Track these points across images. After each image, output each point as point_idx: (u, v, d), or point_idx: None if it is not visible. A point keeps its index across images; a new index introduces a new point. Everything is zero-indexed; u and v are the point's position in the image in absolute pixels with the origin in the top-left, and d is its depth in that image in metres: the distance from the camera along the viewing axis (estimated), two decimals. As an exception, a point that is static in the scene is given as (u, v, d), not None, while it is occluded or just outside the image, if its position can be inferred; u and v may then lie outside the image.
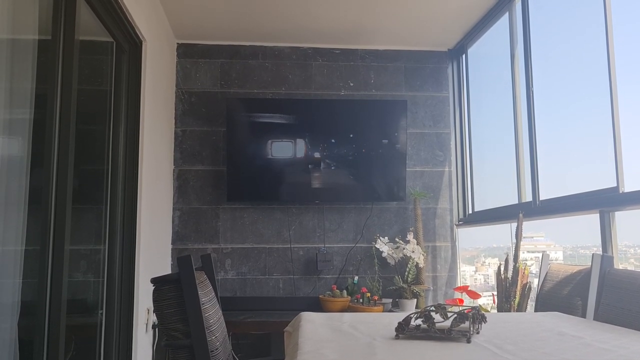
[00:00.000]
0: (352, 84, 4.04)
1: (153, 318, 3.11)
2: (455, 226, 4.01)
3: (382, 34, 3.86)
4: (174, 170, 3.86)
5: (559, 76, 2.91)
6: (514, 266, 2.72)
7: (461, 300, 3.33)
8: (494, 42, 3.67)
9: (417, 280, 3.66)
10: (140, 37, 2.92)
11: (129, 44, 2.90)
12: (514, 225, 2.82)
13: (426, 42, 4.02)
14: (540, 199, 2.94)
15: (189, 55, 3.98)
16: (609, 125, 2.34)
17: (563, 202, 2.72)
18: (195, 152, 3.89)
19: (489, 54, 3.81)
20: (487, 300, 3.49)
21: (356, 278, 3.80)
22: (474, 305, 3.04)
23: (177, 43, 3.97)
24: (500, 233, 3.71)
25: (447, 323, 1.44)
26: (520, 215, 2.79)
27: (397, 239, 3.73)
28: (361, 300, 3.47)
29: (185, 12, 3.50)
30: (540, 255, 2.79)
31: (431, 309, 1.46)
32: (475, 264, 4.09)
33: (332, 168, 3.79)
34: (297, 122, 3.79)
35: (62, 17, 2.07)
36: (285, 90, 4.00)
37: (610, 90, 2.35)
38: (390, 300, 3.65)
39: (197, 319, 1.44)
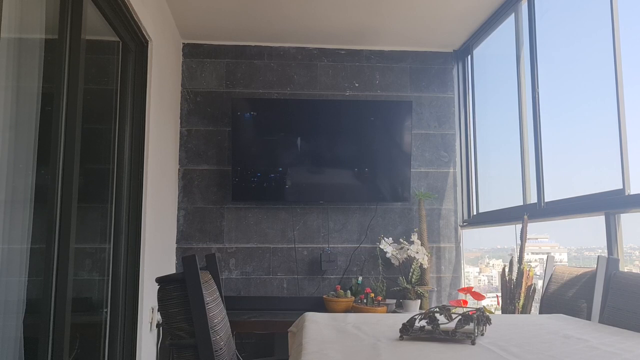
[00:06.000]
0: (357, 85, 4.04)
1: (157, 317, 3.12)
2: (459, 227, 4.00)
3: (387, 34, 3.86)
4: (179, 169, 3.87)
5: (565, 77, 2.90)
6: (519, 268, 2.71)
7: (465, 302, 3.33)
8: (499, 43, 3.66)
9: (421, 281, 3.65)
10: (147, 36, 2.93)
11: (135, 44, 2.91)
12: (519, 226, 2.82)
13: (431, 43, 4.01)
14: (546, 200, 2.93)
15: (195, 55, 3.98)
16: (615, 127, 2.33)
17: (568, 203, 2.71)
18: (200, 152, 3.90)
19: (494, 55, 3.80)
20: (491, 302, 3.48)
21: (360, 278, 3.80)
22: (478, 306, 3.04)
23: (183, 43, 3.98)
24: (505, 234, 3.70)
25: (452, 324, 1.43)
26: (525, 217, 2.78)
27: (401, 240, 3.73)
28: (365, 301, 3.47)
29: (191, 12, 3.51)
30: (544, 256, 2.78)
31: (435, 310, 1.46)
32: (479, 265, 4.08)
33: (337, 168, 3.79)
34: (302, 122, 3.79)
35: (69, 17, 2.08)
36: (290, 90, 4.00)
37: (616, 91, 2.34)
38: (394, 300, 3.64)
39: (202, 319, 1.44)
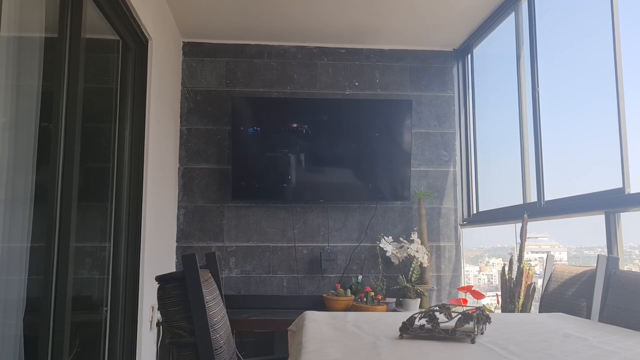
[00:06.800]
0: (357, 84, 4.04)
1: (157, 315, 3.12)
2: (459, 226, 4.00)
3: (387, 33, 3.85)
4: (179, 168, 3.87)
5: (565, 77, 2.90)
6: (519, 266, 2.71)
7: (465, 300, 3.33)
8: (499, 43, 3.66)
9: (421, 279, 3.65)
10: (147, 35, 2.93)
11: (135, 43, 2.91)
12: (519, 225, 2.82)
13: (431, 42, 4.01)
14: (545, 199, 2.93)
15: (195, 53, 3.98)
16: (615, 126, 2.33)
17: (568, 202, 2.71)
18: (200, 151, 3.90)
19: (494, 54, 3.80)
20: (491, 301, 3.48)
21: (360, 277, 3.80)
22: (477, 305, 3.04)
23: (183, 42, 3.98)
24: (505, 233, 3.70)
25: (452, 323, 1.43)
26: (525, 215, 2.78)
27: (401, 239, 3.73)
28: (365, 300, 3.47)
29: (191, 11, 3.51)
30: (544, 255, 2.78)
31: (435, 309, 1.46)
32: (479, 264, 4.08)
33: (337, 167, 3.78)
34: (302, 121, 3.79)
35: (69, 16, 2.08)
36: (290, 89, 4.00)
37: (616, 90, 2.34)
38: (394, 299, 3.64)
39: (201, 317, 1.44)
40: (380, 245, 3.71)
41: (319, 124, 3.80)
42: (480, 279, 4.01)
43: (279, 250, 3.85)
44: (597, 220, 2.45)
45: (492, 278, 3.90)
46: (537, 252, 3.25)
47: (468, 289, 3.23)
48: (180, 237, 3.82)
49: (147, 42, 2.99)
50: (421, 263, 3.60)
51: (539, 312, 2.47)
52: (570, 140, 2.85)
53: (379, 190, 3.81)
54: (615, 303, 1.89)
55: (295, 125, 3.79)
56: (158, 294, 1.48)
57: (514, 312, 2.68)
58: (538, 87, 3.01)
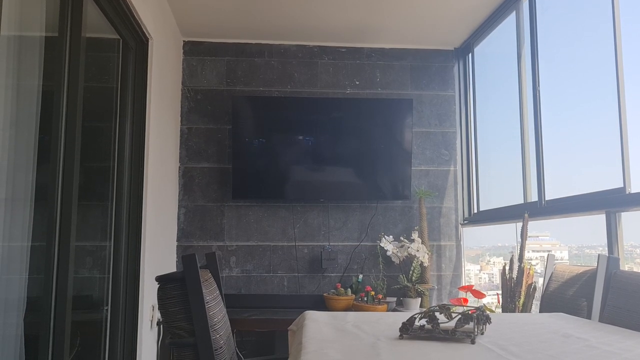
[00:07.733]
0: (357, 83, 4.04)
1: (158, 315, 3.12)
2: (460, 225, 4.00)
3: (388, 32, 3.85)
4: (179, 167, 3.87)
5: (566, 75, 2.90)
6: (519, 266, 2.71)
7: (465, 300, 3.33)
8: (500, 41, 3.65)
9: (422, 279, 3.65)
10: (147, 34, 2.93)
11: (136, 42, 2.91)
12: (519, 224, 2.81)
13: (432, 40, 4.00)
14: (546, 198, 2.92)
15: (195, 52, 3.98)
16: (616, 125, 2.33)
17: (569, 202, 2.71)
18: (200, 150, 3.90)
19: (495, 53, 3.79)
20: (491, 300, 3.48)
21: (360, 276, 3.80)
22: (478, 304, 3.03)
23: (184, 41, 3.98)
24: (506, 232, 3.70)
25: (452, 324, 1.43)
26: (526, 215, 2.77)
27: (401, 238, 3.73)
28: (365, 299, 3.47)
29: (191, 10, 3.50)
30: (545, 254, 2.78)
31: (435, 309, 1.46)
32: (480, 263, 4.08)
33: (338, 166, 3.78)
34: (302, 120, 3.79)
35: (69, 15, 2.08)
36: (291, 88, 4.00)
37: (617, 90, 2.34)
38: (395, 299, 3.64)
39: (202, 318, 1.44)
40: (380, 244, 3.71)
41: (320, 123, 3.79)
42: (481, 277, 4.01)
43: (280, 250, 3.86)
44: (598, 219, 2.45)
45: (493, 277, 3.90)
46: (538, 251, 3.25)
47: (469, 288, 3.23)
48: (180, 237, 3.82)
49: (147, 41, 2.99)
50: (422, 262, 3.60)
51: (540, 311, 2.47)
52: (571, 140, 2.84)
53: (380, 189, 3.81)
54: (615, 303, 1.89)
55: (295, 124, 3.78)
56: (158, 294, 1.48)
57: (514, 311, 2.68)
58: (539, 86, 3.01)
